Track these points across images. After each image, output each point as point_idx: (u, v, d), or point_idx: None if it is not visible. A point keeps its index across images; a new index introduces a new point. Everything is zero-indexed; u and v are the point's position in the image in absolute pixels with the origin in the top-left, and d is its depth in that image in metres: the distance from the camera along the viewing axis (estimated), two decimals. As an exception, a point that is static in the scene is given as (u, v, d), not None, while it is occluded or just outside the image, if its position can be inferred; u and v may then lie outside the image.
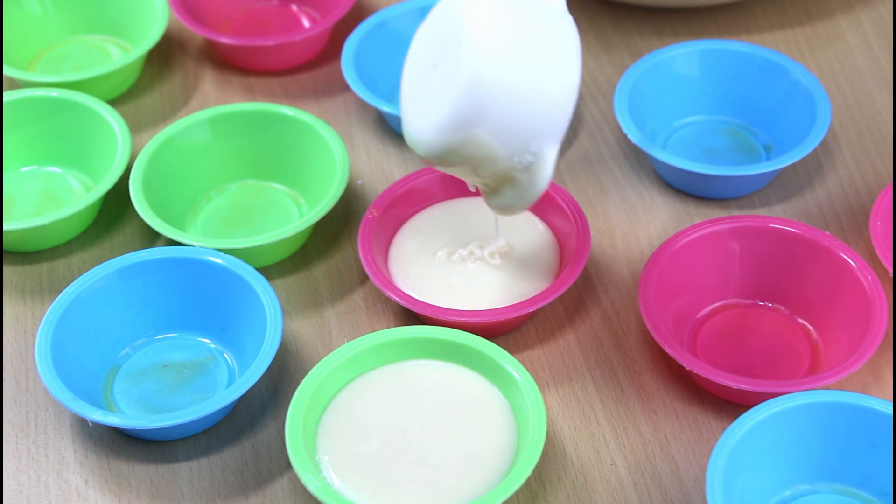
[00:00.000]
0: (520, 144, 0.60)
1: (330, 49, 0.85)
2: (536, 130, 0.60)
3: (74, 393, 0.63)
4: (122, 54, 0.84)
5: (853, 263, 0.66)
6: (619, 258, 0.72)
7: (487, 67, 0.58)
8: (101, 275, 0.67)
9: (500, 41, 0.59)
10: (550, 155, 0.60)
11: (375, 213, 0.70)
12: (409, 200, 0.72)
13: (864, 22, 0.86)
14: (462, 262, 0.70)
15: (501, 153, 0.60)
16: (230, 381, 0.67)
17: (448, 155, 0.61)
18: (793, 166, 0.76)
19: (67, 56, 0.85)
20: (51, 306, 0.66)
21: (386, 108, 0.76)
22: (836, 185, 0.76)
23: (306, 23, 0.87)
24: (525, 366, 0.66)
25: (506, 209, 0.64)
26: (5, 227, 0.71)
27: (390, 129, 0.80)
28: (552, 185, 0.71)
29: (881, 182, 0.76)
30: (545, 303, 0.66)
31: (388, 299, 0.71)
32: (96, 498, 0.63)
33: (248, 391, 0.64)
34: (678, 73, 0.78)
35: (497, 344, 0.64)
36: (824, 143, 0.78)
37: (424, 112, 0.61)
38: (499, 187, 0.63)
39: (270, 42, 0.81)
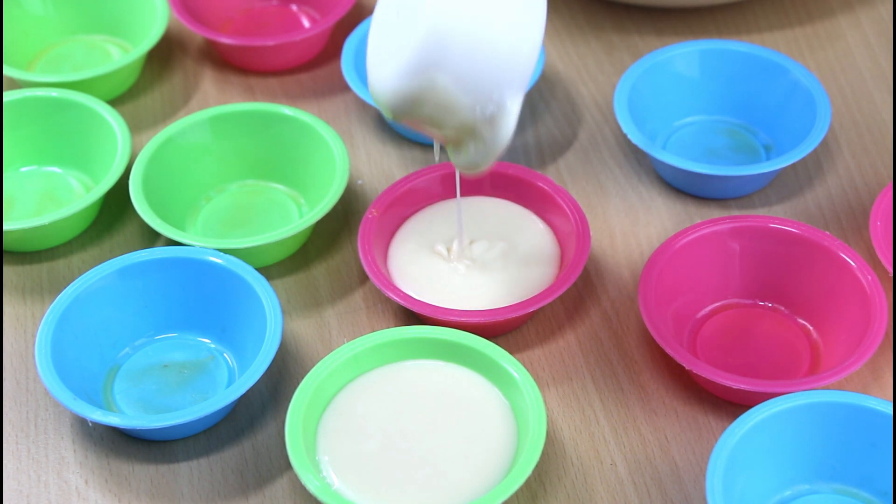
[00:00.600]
0: (482, 93, 0.59)
1: (330, 49, 0.85)
2: (499, 79, 0.59)
3: (74, 393, 0.63)
4: (122, 54, 0.84)
5: (853, 263, 0.66)
6: (619, 258, 0.72)
7: (448, 11, 0.57)
8: (101, 275, 0.67)
9: None
10: (513, 106, 0.60)
11: (375, 213, 0.70)
12: (409, 200, 0.72)
13: (864, 22, 0.86)
14: (462, 262, 0.70)
15: (464, 103, 0.59)
16: (230, 381, 0.67)
17: (410, 104, 0.60)
18: (793, 166, 0.76)
19: (67, 56, 0.85)
20: (51, 306, 0.66)
21: (386, 108, 0.76)
22: (836, 185, 0.76)
23: (306, 23, 0.87)
24: (525, 366, 0.66)
25: (471, 166, 0.63)
26: (5, 227, 0.71)
27: (390, 129, 0.80)
28: (552, 184, 0.71)
29: (881, 182, 0.76)
30: (545, 303, 0.66)
31: (388, 299, 0.71)
32: (96, 498, 0.63)
33: (248, 391, 0.64)
34: (678, 73, 0.78)
35: (497, 344, 0.64)
36: (824, 143, 0.78)
37: (387, 61, 0.60)
38: (463, 142, 0.62)
39: (270, 42, 0.81)
